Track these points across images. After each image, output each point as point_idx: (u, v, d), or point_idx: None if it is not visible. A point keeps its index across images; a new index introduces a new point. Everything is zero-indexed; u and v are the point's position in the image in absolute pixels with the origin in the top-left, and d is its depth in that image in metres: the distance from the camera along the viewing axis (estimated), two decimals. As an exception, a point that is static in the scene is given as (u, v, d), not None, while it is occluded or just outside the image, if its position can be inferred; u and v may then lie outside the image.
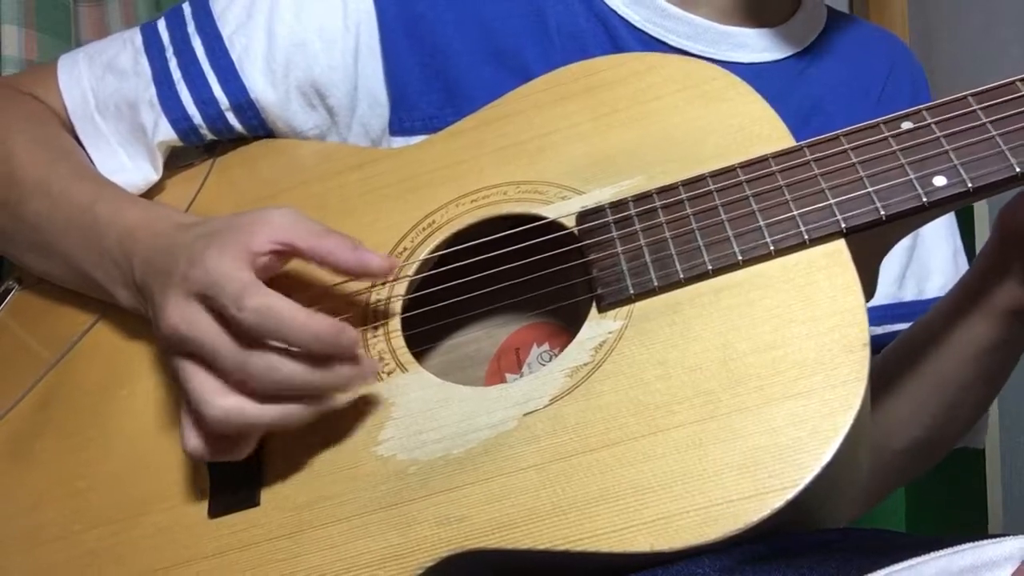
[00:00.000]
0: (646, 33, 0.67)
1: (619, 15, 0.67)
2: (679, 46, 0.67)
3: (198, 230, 0.52)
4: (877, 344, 0.69)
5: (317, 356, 0.47)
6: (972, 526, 1.27)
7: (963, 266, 0.74)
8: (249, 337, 0.47)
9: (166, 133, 0.64)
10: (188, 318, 0.48)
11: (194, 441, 0.49)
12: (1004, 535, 0.40)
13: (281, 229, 0.49)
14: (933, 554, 0.41)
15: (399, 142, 0.66)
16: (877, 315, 0.70)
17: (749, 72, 0.58)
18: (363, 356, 0.49)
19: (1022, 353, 0.63)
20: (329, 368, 0.48)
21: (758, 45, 0.69)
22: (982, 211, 1.18)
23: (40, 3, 0.87)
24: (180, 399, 0.50)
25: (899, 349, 0.65)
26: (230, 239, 0.48)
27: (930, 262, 0.72)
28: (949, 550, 0.40)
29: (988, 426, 1.26)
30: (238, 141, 0.68)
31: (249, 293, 0.46)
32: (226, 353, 0.47)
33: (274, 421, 0.48)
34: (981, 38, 1.25)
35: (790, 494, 0.42)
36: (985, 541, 0.40)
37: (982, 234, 1.17)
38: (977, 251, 0.63)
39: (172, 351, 0.49)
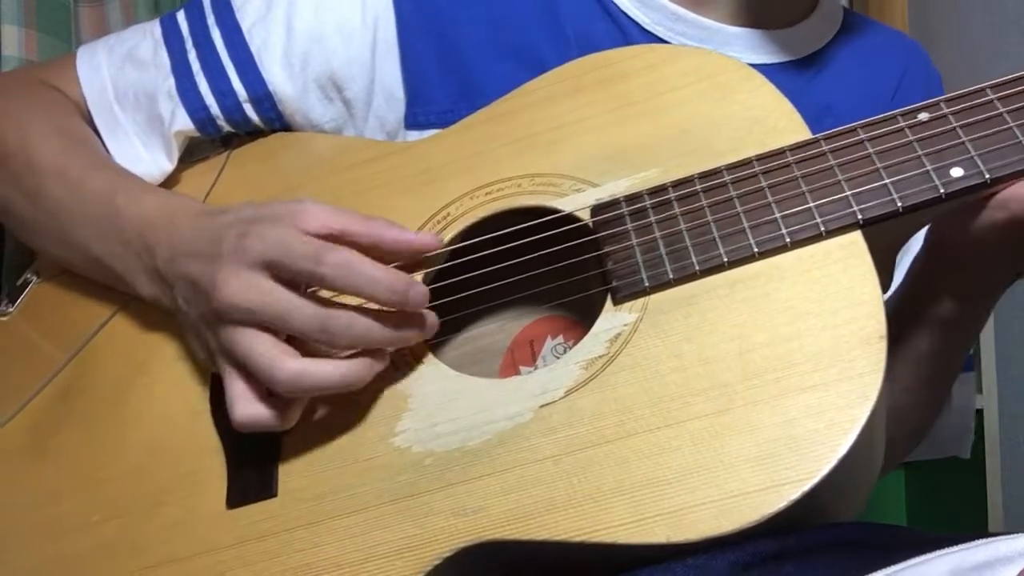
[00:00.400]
0: (656, 36, 0.67)
1: (629, 17, 0.67)
2: None
3: (228, 217, 0.53)
4: None
5: (387, 308, 0.50)
6: (972, 526, 1.27)
7: None
8: (328, 292, 0.48)
9: (183, 123, 0.65)
10: (252, 286, 0.48)
11: (252, 408, 0.49)
12: (1013, 532, 0.40)
13: (327, 215, 0.50)
14: (946, 549, 0.41)
15: (415, 136, 0.67)
16: None
17: (761, 73, 0.58)
18: (428, 314, 0.52)
19: (960, 359, 0.62)
20: (399, 320, 0.50)
21: (769, 47, 0.68)
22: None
23: (40, 3, 0.88)
24: (224, 373, 0.50)
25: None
26: (282, 220, 0.49)
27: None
28: (962, 546, 0.41)
29: (986, 427, 1.26)
30: (254, 134, 0.68)
31: (327, 249, 0.48)
32: (303, 313, 0.48)
33: (341, 379, 0.49)
34: (981, 38, 1.25)
35: (807, 486, 0.42)
36: (999, 537, 0.40)
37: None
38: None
39: (223, 321, 0.49)
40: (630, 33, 0.67)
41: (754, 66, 0.66)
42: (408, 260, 0.55)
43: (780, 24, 0.69)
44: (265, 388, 0.50)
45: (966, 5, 1.29)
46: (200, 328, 0.53)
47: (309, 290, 0.51)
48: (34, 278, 0.68)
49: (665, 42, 0.67)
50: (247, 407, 0.49)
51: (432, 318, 0.52)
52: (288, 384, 0.48)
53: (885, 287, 0.50)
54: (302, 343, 0.50)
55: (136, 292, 0.58)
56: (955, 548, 0.41)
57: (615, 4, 0.67)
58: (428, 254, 0.55)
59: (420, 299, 0.50)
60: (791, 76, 0.68)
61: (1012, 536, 0.40)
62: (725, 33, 0.67)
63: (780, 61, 0.68)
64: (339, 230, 0.50)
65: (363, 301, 0.50)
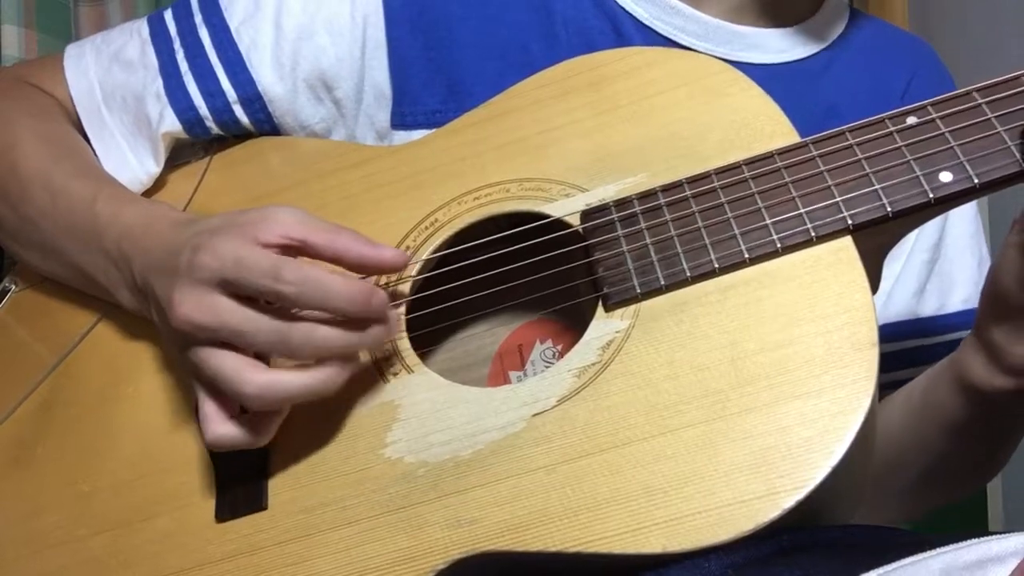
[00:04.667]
0: (654, 31, 0.66)
1: (627, 12, 0.66)
2: (689, 45, 0.65)
3: (197, 227, 0.51)
4: (892, 363, 0.66)
5: (350, 318, 0.48)
6: (972, 526, 1.28)
7: None
8: (285, 308, 0.47)
9: (171, 124, 0.64)
10: (205, 304, 0.47)
11: (222, 428, 0.48)
12: (1008, 532, 0.41)
13: (290, 225, 0.48)
14: (938, 549, 0.41)
15: (401, 136, 0.66)
16: (891, 331, 0.68)
17: (762, 73, 0.57)
18: (391, 315, 0.51)
19: (997, 438, 0.59)
20: (360, 328, 0.49)
21: (772, 46, 0.67)
22: (982, 213, 1.18)
23: (40, 3, 0.87)
24: (197, 392, 0.49)
25: (902, 396, 0.62)
26: (237, 231, 0.48)
27: (954, 273, 0.69)
28: (954, 546, 0.41)
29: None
30: (239, 138, 0.67)
31: (285, 265, 0.46)
32: (262, 329, 0.47)
33: (309, 388, 0.48)
34: (982, 38, 1.25)
35: (801, 494, 0.42)
36: (990, 537, 0.40)
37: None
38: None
39: (188, 342, 0.48)
40: (626, 29, 0.66)
41: (756, 66, 0.65)
42: (375, 275, 0.54)
43: (784, 22, 0.68)
44: (236, 406, 0.49)
45: (967, 5, 1.30)
46: (171, 345, 0.52)
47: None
48: (13, 286, 0.67)
49: (663, 38, 0.66)
50: (218, 427, 0.48)
51: (392, 317, 0.51)
52: (257, 398, 0.47)
53: (873, 290, 0.50)
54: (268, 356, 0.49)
55: (119, 303, 0.58)
56: (947, 548, 0.41)
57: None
58: (395, 272, 0.54)
59: (382, 306, 0.49)
60: (794, 77, 0.67)
61: (1004, 536, 0.40)
62: (726, 31, 0.66)
63: (784, 60, 0.67)
64: (299, 240, 0.49)
65: None
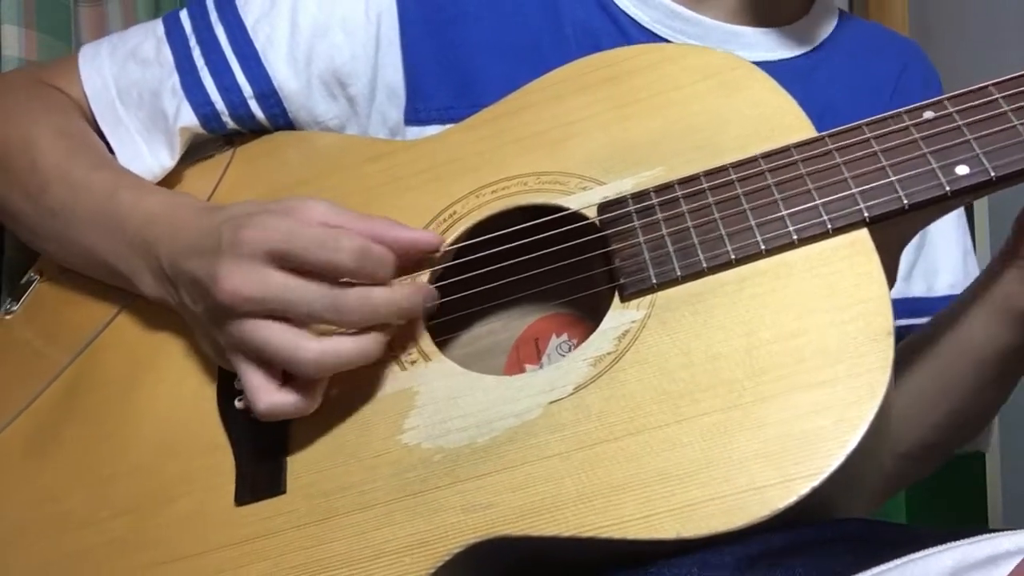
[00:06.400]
0: (655, 34, 0.67)
1: (629, 15, 0.68)
2: None
3: (228, 211, 0.53)
4: None
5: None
6: (972, 524, 1.27)
7: (972, 268, 0.73)
8: (328, 278, 0.49)
9: (188, 118, 0.65)
10: (254, 277, 0.48)
11: (276, 396, 0.49)
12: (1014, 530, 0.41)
13: (326, 213, 0.50)
14: (949, 544, 0.41)
15: (414, 132, 0.67)
16: None
17: None
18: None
19: None
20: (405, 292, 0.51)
21: (767, 44, 0.69)
22: (981, 212, 1.18)
23: (40, 3, 0.88)
24: (238, 367, 0.50)
25: (909, 350, 0.64)
26: (280, 214, 0.50)
27: (938, 261, 0.72)
28: (965, 541, 0.41)
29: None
30: (258, 133, 0.68)
31: (344, 235, 0.48)
32: (313, 297, 0.48)
33: (362, 352, 0.49)
34: (981, 39, 1.25)
35: (815, 481, 0.43)
36: (1002, 533, 0.41)
37: (982, 236, 1.18)
38: (976, 251, 0.62)
39: (231, 316, 0.49)
40: (629, 32, 0.67)
41: (754, 63, 0.67)
42: (410, 259, 0.55)
43: (778, 22, 0.70)
44: (281, 376, 0.50)
45: (967, 6, 1.30)
46: (208, 325, 0.53)
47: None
48: (37, 277, 0.68)
49: (664, 40, 0.67)
50: (270, 396, 0.49)
51: (429, 288, 0.54)
52: (314, 364, 0.48)
53: (890, 283, 0.50)
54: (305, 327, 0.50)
55: (141, 292, 0.58)
56: (958, 543, 0.41)
57: (614, 3, 0.68)
58: (430, 254, 0.55)
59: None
60: (790, 73, 0.67)
61: (1014, 532, 0.40)
62: (723, 31, 0.68)
63: (779, 58, 0.69)
64: (337, 225, 0.50)
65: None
